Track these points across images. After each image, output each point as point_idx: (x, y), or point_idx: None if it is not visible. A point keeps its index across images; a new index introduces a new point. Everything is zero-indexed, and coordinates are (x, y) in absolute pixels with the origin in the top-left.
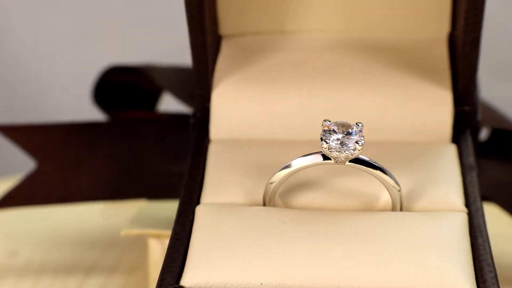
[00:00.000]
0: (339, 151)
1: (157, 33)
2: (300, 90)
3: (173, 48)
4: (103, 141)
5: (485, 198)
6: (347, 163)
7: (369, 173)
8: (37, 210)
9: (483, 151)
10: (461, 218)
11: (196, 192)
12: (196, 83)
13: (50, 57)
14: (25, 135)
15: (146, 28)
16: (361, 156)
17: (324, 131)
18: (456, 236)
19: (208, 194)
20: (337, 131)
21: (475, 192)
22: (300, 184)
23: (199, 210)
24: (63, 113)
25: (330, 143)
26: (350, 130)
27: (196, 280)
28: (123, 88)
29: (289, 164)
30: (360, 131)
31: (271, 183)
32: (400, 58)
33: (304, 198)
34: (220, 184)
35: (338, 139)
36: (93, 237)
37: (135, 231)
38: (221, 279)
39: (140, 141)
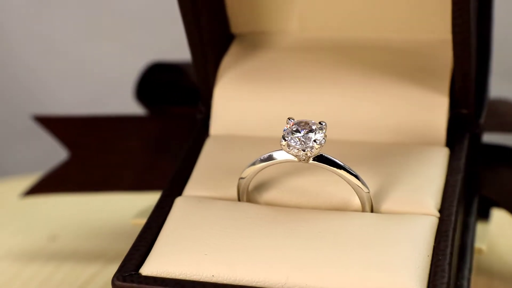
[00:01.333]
0: (297, 149)
1: (157, 33)
2: (298, 89)
3: (173, 48)
4: (135, 133)
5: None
6: (311, 161)
7: (333, 173)
8: (84, 197)
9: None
10: (429, 222)
11: (181, 185)
12: (197, 79)
13: (50, 57)
14: (60, 126)
15: (146, 28)
16: (325, 155)
17: (286, 129)
18: (417, 239)
19: (192, 187)
20: (299, 129)
21: (453, 196)
22: (277, 180)
23: (177, 202)
24: (61, 111)
25: (290, 141)
26: (310, 128)
27: (155, 270)
28: (165, 85)
29: (255, 161)
30: (321, 129)
31: (242, 178)
32: (402, 59)
33: (279, 195)
34: (206, 178)
35: (298, 137)
36: (130, 226)
37: (143, 220)
38: (178, 270)
39: (173, 135)
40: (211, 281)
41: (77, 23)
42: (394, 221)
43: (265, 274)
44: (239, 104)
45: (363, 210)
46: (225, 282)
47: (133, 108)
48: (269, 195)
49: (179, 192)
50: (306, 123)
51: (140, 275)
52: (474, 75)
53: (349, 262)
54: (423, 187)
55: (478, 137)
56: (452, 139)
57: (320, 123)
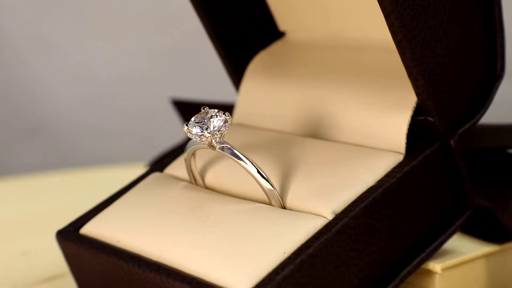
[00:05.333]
0: (195, 136)
1: (157, 33)
2: (307, 87)
3: (173, 48)
4: None
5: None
6: (217, 149)
7: (238, 164)
8: None
9: None
10: (313, 223)
11: (167, 163)
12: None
13: (50, 57)
14: (186, 109)
15: (146, 28)
16: (229, 146)
17: (194, 117)
18: (286, 237)
19: (173, 166)
20: (202, 118)
21: (360, 202)
22: (223, 165)
23: (149, 177)
24: (61, 112)
25: (190, 128)
26: (209, 118)
27: (91, 230)
28: None
29: (187, 145)
30: (220, 120)
31: (185, 160)
32: (393, 61)
33: (217, 179)
34: None
35: (197, 125)
36: None
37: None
38: (103, 233)
39: None
40: (114, 245)
41: (77, 24)
42: (280, 217)
43: (149, 246)
44: (259, 98)
45: (270, 204)
46: (122, 247)
47: (133, 107)
48: (210, 179)
49: (161, 170)
50: (208, 113)
51: (74, 232)
52: (434, 82)
53: (213, 247)
54: (333, 189)
55: (450, 147)
56: (410, 145)
57: (224, 113)
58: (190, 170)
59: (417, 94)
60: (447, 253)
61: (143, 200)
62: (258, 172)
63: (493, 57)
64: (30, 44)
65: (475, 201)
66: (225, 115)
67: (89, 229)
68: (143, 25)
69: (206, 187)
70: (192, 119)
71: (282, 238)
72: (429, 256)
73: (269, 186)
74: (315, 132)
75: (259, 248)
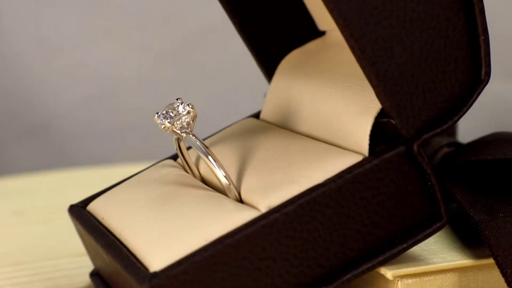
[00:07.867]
0: (159, 124)
1: (156, 33)
2: (324, 87)
3: (173, 48)
4: None
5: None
6: (184, 139)
7: (198, 153)
8: None
9: None
10: (245, 216)
11: None
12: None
13: (50, 57)
14: None
15: (146, 28)
16: (192, 137)
17: (164, 107)
18: (214, 226)
19: None
20: (168, 109)
21: (295, 199)
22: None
23: (157, 164)
24: (61, 111)
25: (158, 117)
26: (173, 109)
27: (93, 208)
28: None
29: None
30: (181, 112)
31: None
32: None
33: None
34: None
35: (163, 115)
36: None
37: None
38: (98, 210)
39: None
40: (97, 219)
41: (77, 24)
42: (222, 207)
43: (117, 224)
44: (284, 96)
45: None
46: (102, 224)
47: (133, 107)
48: (204, 168)
49: (175, 158)
50: (174, 105)
51: (80, 208)
52: (393, 83)
53: (153, 228)
54: (278, 184)
55: (412, 151)
56: (373, 147)
57: (188, 105)
58: (182, 158)
59: (376, 95)
60: (416, 260)
61: (136, 183)
62: (216, 165)
63: (479, 62)
64: (30, 45)
65: (467, 209)
66: (189, 107)
67: (92, 207)
68: (144, 25)
69: (202, 176)
70: (162, 109)
71: (211, 226)
72: (384, 262)
73: (223, 180)
74: (321, 132)
75: (186, 234)
